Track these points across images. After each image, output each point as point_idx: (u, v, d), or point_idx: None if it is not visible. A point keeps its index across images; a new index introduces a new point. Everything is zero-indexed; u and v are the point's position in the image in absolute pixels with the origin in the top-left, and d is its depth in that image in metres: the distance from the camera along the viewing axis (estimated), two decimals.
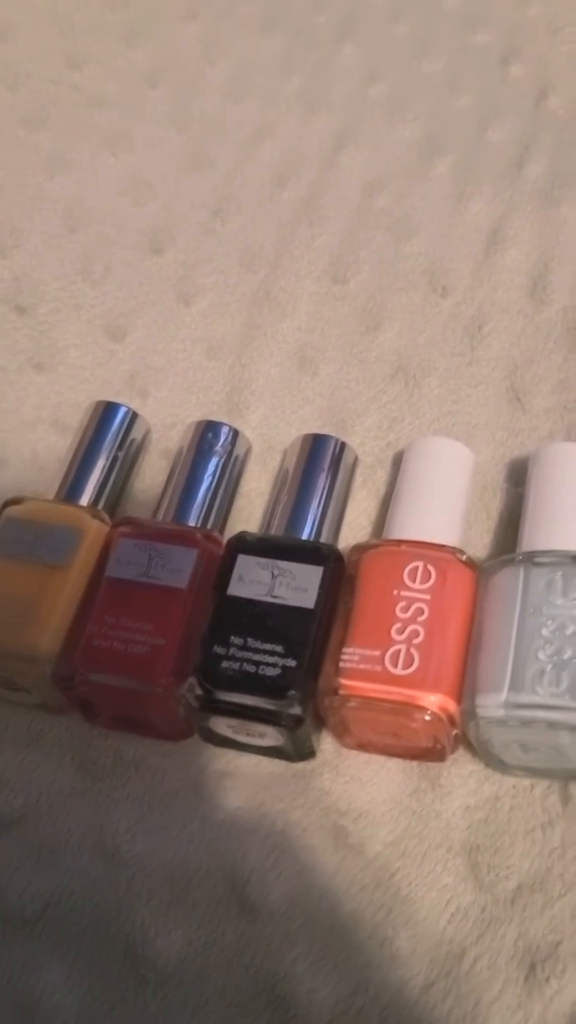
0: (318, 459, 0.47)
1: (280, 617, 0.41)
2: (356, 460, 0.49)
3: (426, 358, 0.54)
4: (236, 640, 0.40)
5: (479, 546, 0.47)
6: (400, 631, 0.39)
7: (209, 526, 0.46)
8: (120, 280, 0.60)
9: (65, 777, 0.44)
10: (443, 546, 0.42)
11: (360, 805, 0.41)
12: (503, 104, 0.66)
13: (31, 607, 0.42)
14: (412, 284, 0.58)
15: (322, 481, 0.46)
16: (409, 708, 0.38)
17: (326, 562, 0.42)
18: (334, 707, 0.40)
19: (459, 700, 0.39)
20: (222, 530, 0.47)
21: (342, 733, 0.42)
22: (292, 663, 0.39)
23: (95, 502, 0.47)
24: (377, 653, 0.39)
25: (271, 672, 0.39)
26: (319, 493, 0.46)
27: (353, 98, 0.68)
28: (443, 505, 0.44)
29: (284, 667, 0.39)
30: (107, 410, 0.50)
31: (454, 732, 0.39)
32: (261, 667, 0.39)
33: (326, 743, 0.43)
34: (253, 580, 0.42)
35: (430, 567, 0.40)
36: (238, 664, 0.40)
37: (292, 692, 0.39)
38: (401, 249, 0.59)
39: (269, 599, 0.41)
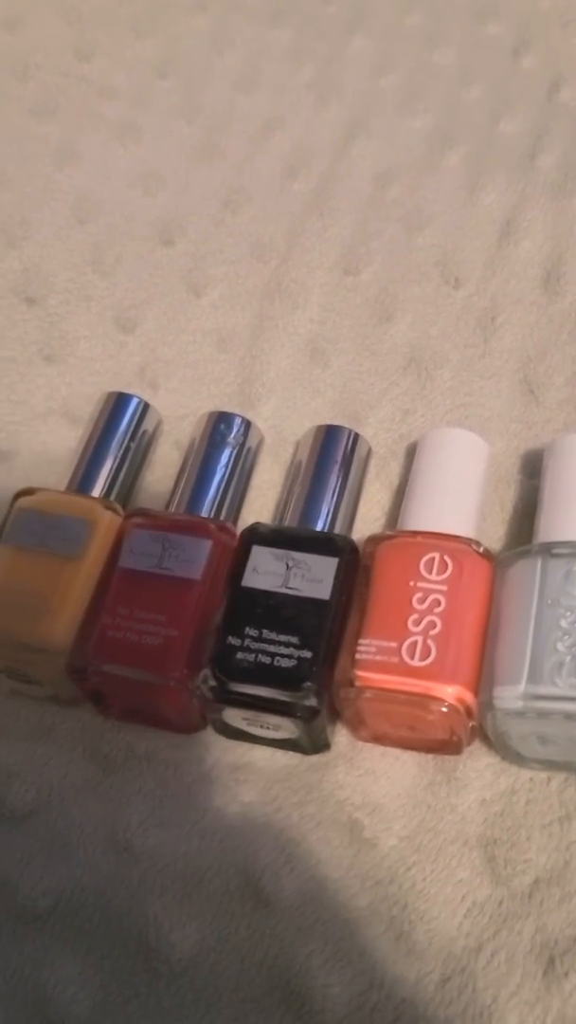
0: (332, 450, 0.47)
1: (295, 608, 0.40)
2: (369, 451, 0.49)
3: (439, 350, 0.54)
4: (251, 631, 0.40)
5: (493, 538, 0.47)
6: (417, 622, 0.39)
7: (222, 517, 0.46)
8: (130, 271, 0.59)
9: (77, 770, 0.43)
10: (459, 537, 0.41)
11: (375, 798, 0.41)
12: (515, 95, 0.66)
13: (44, 598, 0.42)
14: (424, 275, 0.57)
15: (336, 472, 0.46)
16: (426, 700, 0.38)
17: (341, 553, 0.42)
18: (350, 699, 0.39)
19: (476, 692, 0.38)
20: (235, 521, 0.47)
21: (357, 725, 0.42)
22: (307, 654, 0.39)
23: (107, 493, 0.47)
24: (394, 644, 0.39)
25: (286, 664, 0.39)
26: (333, 484, 0.46)
27: (364, 89, 0.68)
28: (459, 496, 0.44)
29: (299, 658, 0.39)
30: (119, 401, 0.50)
31: (471, 724, 0.39)
32: (276, 659, 0.39)
33: (341, 736, 0.43)
34: (268, 571, 0.41)
35: (446, 558, 0.40)
36: (253, 655, 0.39)
37: (308, 684, 0.39)
38: (413, 240, 0.59)
39: (284, 590, 0.41)
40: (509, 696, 0.37)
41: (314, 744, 0.42)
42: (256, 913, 0.39)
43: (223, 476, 0.47)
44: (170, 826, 0.41)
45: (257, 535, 0.43)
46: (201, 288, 0.58)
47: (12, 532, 0.44)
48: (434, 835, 0.40)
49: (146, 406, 0.50)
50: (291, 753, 0.43)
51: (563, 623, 0.37)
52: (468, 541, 0.41)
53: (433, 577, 0.40)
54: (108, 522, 0.44)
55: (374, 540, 0.42)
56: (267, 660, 0.39)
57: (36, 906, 0.40)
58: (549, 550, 0.39)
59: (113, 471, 0.47)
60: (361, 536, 0.44)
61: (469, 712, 0.39)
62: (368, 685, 0.39)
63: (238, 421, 0.49)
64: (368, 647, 0.39)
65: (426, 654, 0.38)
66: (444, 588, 0.40)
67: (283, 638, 0.40)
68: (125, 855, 0.41)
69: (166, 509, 0.46)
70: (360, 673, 0.39)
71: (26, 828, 0.42)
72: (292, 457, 0.50)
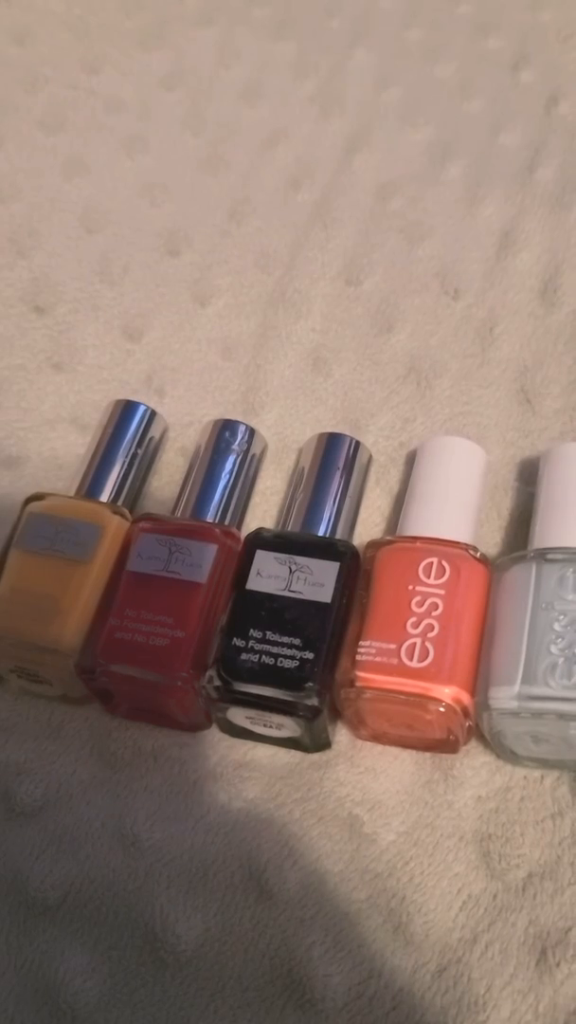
0: (333, 457, 0.48)
1: (298, 611, 0.41)
2: (370, 459, 0.50)
3: (438, 359, 0.55)
4: (255, 633, 0.41)
5: (490, 544, 0.48)
6: (415, 625, 0.40)
7: (227, 522, 0.47)
8: (137, 281, 0.61)
9: (85, 768, 0.44)
10: (457, 542, 0.42)
11: (374, 795, 0.42)
12: (514, 109, 0.67)
13: (54, 601, 0.43)
14: (425, 286, 0.58)
15: (337, 479, 0.47)
16: (424, 700, 0.39)
17: (342, 558, 0.43)
18: (350, 699, 0.40)
19: (473, 692, 0.40)
20: (239, 526, 0.48)
21: (357, 725, 0.43)
22: (310, 656, 0.40)
23: (115, 498, 0.48)
24: (393, 646, 0.40)
25: (289, 664, 0.40)
26: (334, 491, 0.47)
27: (366, 102, 0.69)
28: (457, 502, 0.45)
29: (302, 659, 0.40)
30: (126, 408, 0.51)
31: (467, 724, 0.40)
32: (280, 659, 0.40)
33: (341, 734, 0.44)
34: (271, 575, 0.42)
35: (444, 563, 0.41)
36: (257, 656, 0.41)
37: (310, 684, 0.40)
38: (414, 252, 0.60)
39: (287, 593, 0.42)
40: (504, 697, 0.38)
41: (315, 742, 0.43)
42: (259, 905, 0.40)
43: (228, 482, 0.48)
44: (176, 821, 0.42)
45: (261, 540, 0.44)
46: (206, 298, 0.60)
47: (23, 536, 0.45)
48: (431, 831, 0.41)
49: (153, 413, 0.51)
50: (293, 751, 0.44)
51: (557, 626, 0.38)
52: (465, 546, 0.42)
53: (431, 581, 0.41)
54: (116, 526, 0.45)
55: (374, 545, 0.44)
56: (270, 661, 0.40)
57: (46, 899, 0.41)
58: (544, 555, 0.40)
59: (121, 477, 0.49)
60: (362, 541, 0.45)
61: (466, 712, 0.40)
62: (368, 685, 0.40)
63: (242, 428, 0.50)
64: (368, 649, 0.40)
65: (424, 656, 0.39)
66: (442, 592, 0.41)
67: (286, 640, 0.41)
68: (132, 849, 0.42)
69: (172, 514, 0.48)
70: (360, 674, 0.40)
71: (36, 823, 0.43)
72: (295, 464, 0.52)
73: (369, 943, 0.39)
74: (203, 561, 0.43)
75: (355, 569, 0.43)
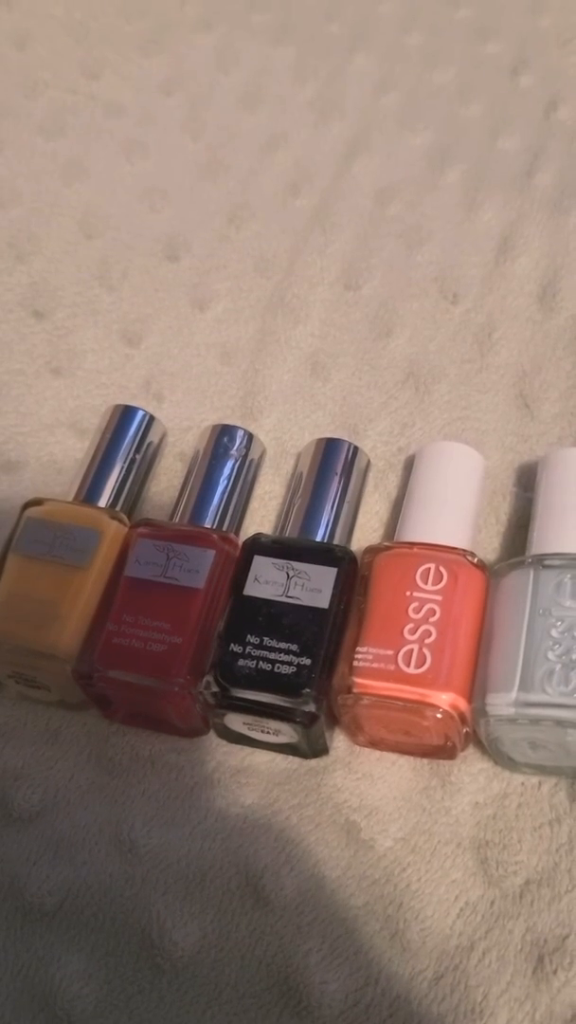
0: (331, 463, 0.48)
1: (295, 617, 0.41)
2: (368, 464, 0.50)
3: (436, 364, 0.55)
4: (252, 639, 0.41)
5: (488, 549, 0.48)
6: (412, 631, 0.40)
7: (225, 528, 0.47)
8: (136, 286, 0.61)
9: (83, 773, 0.44)
10: (454, 548, 0.42)
11: (372, 801, 0.42)
12: (513, 114, 0.67)
13: (52, 606, 0.43)
14: (423, 291, 0.58)
15: (335, 484, 0.47)
16: (421, 706, 0.39)
17: (340, 563, 0.43)
18: (347, 705, 0.40)
19: (470, 699, 0.40)
20: (237, 532, 0.48)
21: (355, 731, 0.43)
22: (307, 662, 0.40)
23: (113, 504, 0.48)
24: (390, 652, 0.40)
25: (286, 670, 0.40)
26: (333, 496, 0.47)
27: (365, 107, 0.69)
28: (454, 508, 0.45)
29: (299, 665, 0.40)
30: (125, 413, 0.51)
31: (464, 730, 0.40)
32: (277, 665, 0.40)
33: (339, 741, 0.44)
34: (269, 581, 0.42)
35: (442, 569, 0.41)
36: (254, 662, 0.41)
37: (307, 690, 0.40)
38: (412, 256, 0.60)
39: (284, 599, 0.42)
40: (501, 703, 0.38)
41: (313, 748, 0.43)
42: (256, 912, 0.40)
43: (226, 487, 0.48)
44: (173, 827, 0.42)
45: (259, 545, 0.44)
46: (205, 303, 0.60)
47: (21, 542, 0.45)
48: (428, 837, 0.41)
49: (151, 419, 0.51)
50: (291, 757, 0.44)
51: (554, 632, 0.38)
52: (463, 552, 0.42)
53: (429, 587, 0.41)
54: (114, 532, 0.45)
55: (372, 551, 0.44)
56: (268, 667, 0.40)
57: (43, 904, 0.41)
58: (541, 561, 0.40)
59: (119, 482, 0.49)
60: (360, 546, 0.45)
61: (463, 718, 0.40)
62: (365, 692, 0.40)
63: (241, 434, 0.50)
64: (365, 655, 0.40)
65: (421, 662, 0.39)
66: (439, 598, 0.41)
67: (283, 645, 0.41)
68: (129, 855, 0.42)
69: (170, 519, 0.48)
70: (358, 680, 0.40)
71: (33, 829, 0.43)
72: (293, 469, 0.52)
73: (366, 950, 0.39)
74: (201, 567, 0.43)
75: (353, 575, 0.43)
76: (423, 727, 0.40)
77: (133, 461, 0.50)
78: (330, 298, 0.59)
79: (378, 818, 0.42)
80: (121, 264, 0.61)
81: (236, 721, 0.42)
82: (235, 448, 0.49)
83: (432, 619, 0.40)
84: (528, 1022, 0.37)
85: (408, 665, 0.39)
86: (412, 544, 0.43)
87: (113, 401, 0.53)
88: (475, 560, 0.42)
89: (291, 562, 0.43)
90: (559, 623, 0.38)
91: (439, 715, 0.39)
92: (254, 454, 0.50)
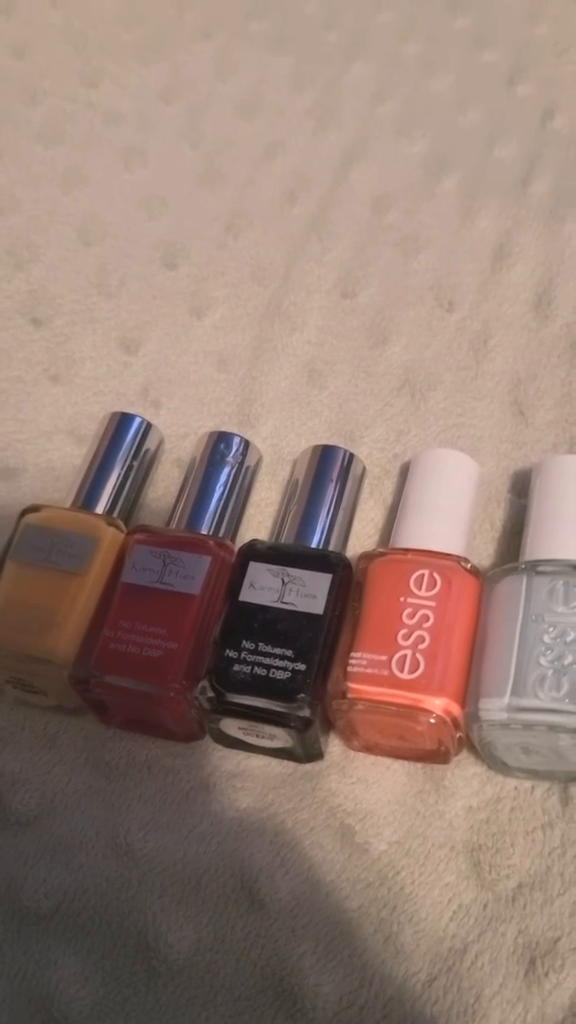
0: (327, 469, 0.48)
1: (290, 622, 0.42)
2: (364, 471, 0.50)
3: (432, 372, 0.56)
4: (248, 644, 0.41)
5: (483, 555, 0.48)
6: (406, 637, 0.40)
7: (221, 534, 0.47)
8: (134, 293, 0.61)
9: (80, 777, 0.45)
10: (448, 554, 0.43)
11: (366, 805, 0.43)
12: (510, 122, 0.67)
13: (49, 612, 0.43)
14: (419, 299, 0.59)
15: (331, 491, 0.47)
16: (415, 711, 0.39)
17: (335, 569, 0.43)
18: (342, 710, 0.41)
19: (463, 704, 0.40)
20: (234, 538, 0.48)
21: (349, 735, 0.43)
22: (302, 667, 0.41)
23: (110, 510, 0.48)
24: (384, 658, 0.40)
25: (281, 676, 0.41)
26: (328, 502, 0.47)
27: (362, 115, 0.69)
28: (449, 515, 0.45)
29: (294, 671, 0.41)
30: (122, 420, 0.51)
31: (458, 735, 0.40)
32: (272, 671, 0.41)
33: (333, 745, 0.44)
34: (264, 587, 0.43)
35: (436, 575, 0.42)
36: (249, 668, 0.41)
37: (302, 695, 0.40)
38: (409, 264, 0.60)
39: (280, 605, 0.42)
40: (494, 708, 0.38)
41: (308, 753, 0.43)
42: (251, 915, 0.40)
43: (222, 494, 0.48)
44: (169, 831, 0.43)
45: (254, 551, 0.44)
46: (203, 310, 0.60)
47: (19, 548, 0.45)
48: (422, 841, 0.41)
49: (148, 426, 0.51)
50: (286, 761, 0.44)
51: (546, 638, 0.39)
52: (457, 558, 0.43)
53: (423, 593, 0.41)
54: (111, 538, 0.46)
55: (367, 557, 0.44)
56: (263, 672, 0.41)
57: (40, 908, 0.41)
58: (534, 568, 0.41)
59: (116, 488, 0.49)
60: (355, 553, 0.46)
61: (456, 723, 0.40)
62: (359, 697, 0.40)
63: (237, 441, 0.50)
64: (360, 660, 0.41)
65: (415, 667, 0.40)
66: (433, 604, 0.41)
67: (278, 651, 0.41)
68: (126, 859, 0.42)
69: (167, 526, 0.48)
70: (352, 685, 0.40)
71: (30, 833, 0.43)
72: (289, 476, 0.52)
73: (360, 952, 0.39)
74: (197, 573, 0.44)
75: (348, 581, 0.44)
76: (417, 732, 0.40)
77: (130, 468, 0.50)
78: (327, 306, 0.59)
79: (372, 822, 0.42)
80: (119, 272, 0.62)
81: (232, 726, 0.42)
82: (232, 455, 0.50)
83: (426, 625, 0.41)
84: None
85: (402, 670, 0.40)
86: (406, 550, 0.43)
87: (111, 408, 0.53)
88: (469, 566, 0.43)
89: (286, 568, 0.43)
90: (551, 629, 0.39)
91: (433, 720, 0.39)
92: (250, 461, 0.51)
